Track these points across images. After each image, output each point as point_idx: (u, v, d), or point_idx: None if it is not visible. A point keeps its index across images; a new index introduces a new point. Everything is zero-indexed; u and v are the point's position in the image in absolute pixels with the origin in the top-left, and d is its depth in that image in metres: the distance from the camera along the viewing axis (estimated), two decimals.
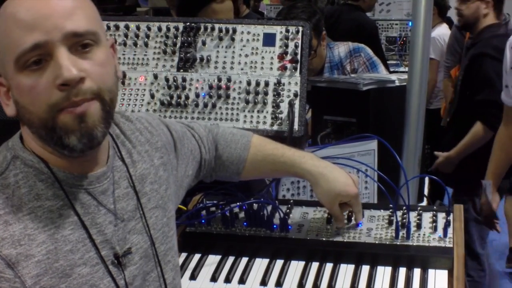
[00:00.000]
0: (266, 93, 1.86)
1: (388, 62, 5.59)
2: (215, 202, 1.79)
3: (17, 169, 1.07)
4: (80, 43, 1.03)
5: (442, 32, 5.09)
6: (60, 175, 1.08)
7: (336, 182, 1.55)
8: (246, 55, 1.91)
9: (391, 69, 5.09)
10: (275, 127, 1.84)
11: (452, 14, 6.31)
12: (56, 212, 1.07)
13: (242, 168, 1.57)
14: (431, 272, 1.54)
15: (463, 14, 3.55)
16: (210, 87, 1.89)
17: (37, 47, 0.99)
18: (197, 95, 1.89)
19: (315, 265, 1.60)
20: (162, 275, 1.20)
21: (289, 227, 1.69)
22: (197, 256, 1.68)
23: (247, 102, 1.86)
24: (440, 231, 1.63)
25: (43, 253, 1.03)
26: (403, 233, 1.62)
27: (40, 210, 1.05)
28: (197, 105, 1.88)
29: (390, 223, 1.68)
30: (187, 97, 1.88)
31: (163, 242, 1.23)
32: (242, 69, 1.90)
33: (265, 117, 1.85)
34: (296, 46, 1.89)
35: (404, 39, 5.76)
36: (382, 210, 1.75)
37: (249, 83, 1.87)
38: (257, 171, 1.60)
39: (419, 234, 1.63)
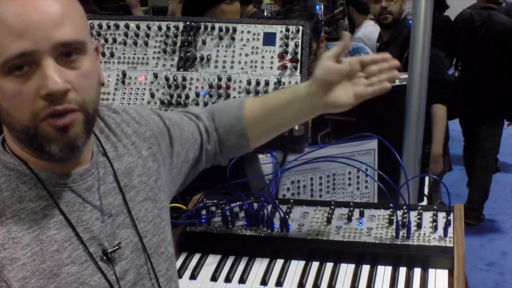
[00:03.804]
0: (266, 93, 1.86)
1: None
2: (215, 201, 1.79)
3: None
4: (66, 52, 1.01)
5: (369, 30, 4.98)
6: (43, 175, 1.07)
7: None
8: (246, 55, 1.90)
9: None
10: None
11: (450, 13, 6.32)
12: (40, 213, 1.06)
13: (244, 128, 1.48)
14: (431, 271, 1.54)
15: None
16: (210, 86, 1.89)
17: (23, 55, 0.98)
18: (197, 95, 1.88)
19: (315, 265, 1.60)
20: (152, 267, 1.19)
21: (289, 226, 1.69)
22: (197, 256, 1.68)
23: None
24: (440, 231, 1.63)
25: (28, 255, 1.02)
26: (404, 233, 1.62)
27: (24, 212, 1.05)
28: (197, 104, 1.87)
29: (390, 222, 1.68)
30: (187, 97, 1.88)
31: (155, 234, 1.22)
32: (242, 68, 1.90)
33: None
34: (296, 46, 1.89)
35: None
36: (382, 210, 1.75)
37: (249, 83, 1.87)
38: (261, 123, 1.49)
39: (419, 234, 1.63)
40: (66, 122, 1.02)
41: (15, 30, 0.97)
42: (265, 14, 5.96)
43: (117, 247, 1.13)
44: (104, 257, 1.11)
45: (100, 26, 1.98)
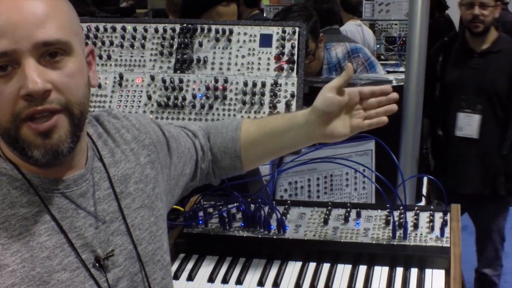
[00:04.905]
0: (263, 94, 1.86)
1: (388, 62, 5.60)
2: (212, 203, 1.79)
3: None
4: (50, 52, 1.00)
5: (348, 28, 5.05)
6: (35, 180, 1.06)
7: None
8: (243, 56, 1.91)
9: (390, 69, 5.08)
10: None
11: (450, 13, 6.32)
12: (31, 219, 1.05)
13: (239, 150, 1.48)
14: (428, 272, 1.54)
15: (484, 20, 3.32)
16: (207, 88, 1.89)
17: (4, 55, 0.97)
18: (194, 96, 1.89)
19: (312, 266, 1.60)
20: (145, 276, 1.18)
21: (286, 227, 1.69)
22: (194, 257, 1.68)
23: (244, 103, 1.86)
24: (437, 231, 1.63)
25: (17, 262, 1.01)
26: (400, 233, 1.62)
27: (14, 218, 1.03)
28: (194, 106, 1.88)
29: (387, 223, 1.68)
30: (184, 99, 1.89)
31: (151, 242, 1.21)
32: (239, 70, 1.90)
33: (262, 118, 1.85)
34: (292, 47, 1.89)
35: (404, 39, 5.75)
36: (379, 210, 1.75)
37: (246, 84, 1.87)
38: (256, 147, 1.49)
39: (416, 234, 1.63)
40: (48, 126, 1.00)
41: None
42: (264, 15, 5.97)
43: (110, 254, 1.12)
44: (97, 264, 1.10)
45: (97, 29, 1.98)
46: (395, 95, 1.43)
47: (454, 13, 6.31)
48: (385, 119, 1.44)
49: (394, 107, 1.44)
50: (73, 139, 1.04)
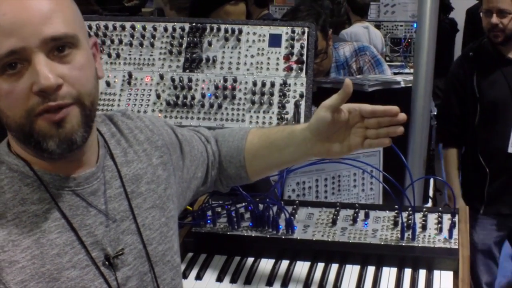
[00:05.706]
0: (272, 94, 1.86)
1: (393, 63, 5.58)
2: (220, 202, 1.79)
3: (2, 175, 1.06)
4: (58, 46, 1.01)
5: (354, 30, 5.05)
6: (46, 177, 1.07)
7: None
8: (252, 56, 1.91)
9: (395, 71, 5.07)
10: None
11: (455, 15, 6.32)
12: (41, 216, 1.05)
13: (243, 160, 1.46)
14: (436, 273, 1.55)
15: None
16: (216, 87, 1.89)
17: (13, 53, 0.98)
18: (203, 96, 1.89)
19: (320, 266, 1.60)
20: (154, 276, 1.18)
21: (295, 227, 1.69)
22: (202, 257, 1.68)
23: (253, 102, 1.86)
24: (445, 232, 1.63)
25: (27, 258, 1.02)
26: (409, 234, 1.62)
27: (25, 215, 1.04)
28: (203, 106, 1.88)
29: (395, 224, 1.68)
30: (193, 98, 1.89)
31: (161, 242, 1.21)
32: (248, 69, 1.90)
33: (271, 117, 1.85)
34: (302, 47, 1.89)
35: (409, 40, 5.75)
36: (387, 211, 1.75)
37: (255, 84, 1.88)
38: (259, 160, 1.46)
39: (424, 235, 1.63)
40: (61, 116, 1.01)
41: (4, 29, 0.97)
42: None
43: (120, 253, 1.12)
44: (107, 262, 1.10)
45: (106, 27, 1.98)
46: (401, 116, 1.30)
47: (458, 15, 6.32)
48: (387, 142, 1.32)
49: (398, 129, 1.30)
50: (85, 128, 1.05)
